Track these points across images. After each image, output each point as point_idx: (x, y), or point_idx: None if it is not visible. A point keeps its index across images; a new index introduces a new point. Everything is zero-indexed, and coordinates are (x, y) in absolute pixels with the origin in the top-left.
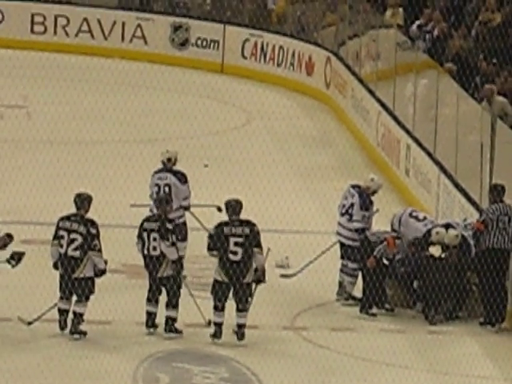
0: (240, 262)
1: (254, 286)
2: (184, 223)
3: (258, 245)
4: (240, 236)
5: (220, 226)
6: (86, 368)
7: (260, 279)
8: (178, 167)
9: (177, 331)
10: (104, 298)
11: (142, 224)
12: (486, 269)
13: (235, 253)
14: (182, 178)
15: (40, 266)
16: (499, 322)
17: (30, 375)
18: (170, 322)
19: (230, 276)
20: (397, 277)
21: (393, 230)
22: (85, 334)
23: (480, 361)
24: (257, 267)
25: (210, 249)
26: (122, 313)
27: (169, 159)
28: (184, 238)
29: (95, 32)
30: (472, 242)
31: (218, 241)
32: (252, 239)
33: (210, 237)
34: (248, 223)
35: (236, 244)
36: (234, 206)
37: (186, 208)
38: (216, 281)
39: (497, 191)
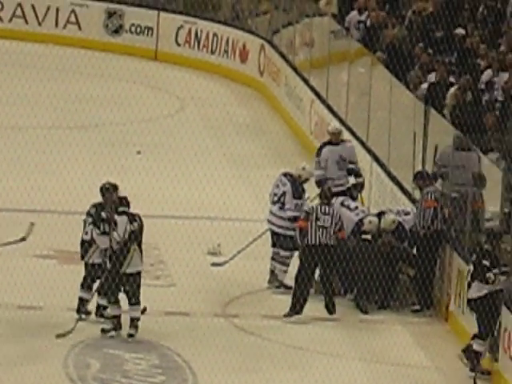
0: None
1: None
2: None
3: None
4: None
5: None
6: (16, 353)
7: None
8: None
9: (102, 316)
10: (36, 283)
11: (89, 208)
12: (427, 251)
13: None
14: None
15: None
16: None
17: None
18: (101, 308)
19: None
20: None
21: None
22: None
23: (411, 349)
24: None
25: None
26: (53, 298)
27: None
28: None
29: (29, 17)
30: (407, 227)
31: None
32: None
33: None
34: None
35: None
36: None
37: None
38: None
39: (423, 178)
